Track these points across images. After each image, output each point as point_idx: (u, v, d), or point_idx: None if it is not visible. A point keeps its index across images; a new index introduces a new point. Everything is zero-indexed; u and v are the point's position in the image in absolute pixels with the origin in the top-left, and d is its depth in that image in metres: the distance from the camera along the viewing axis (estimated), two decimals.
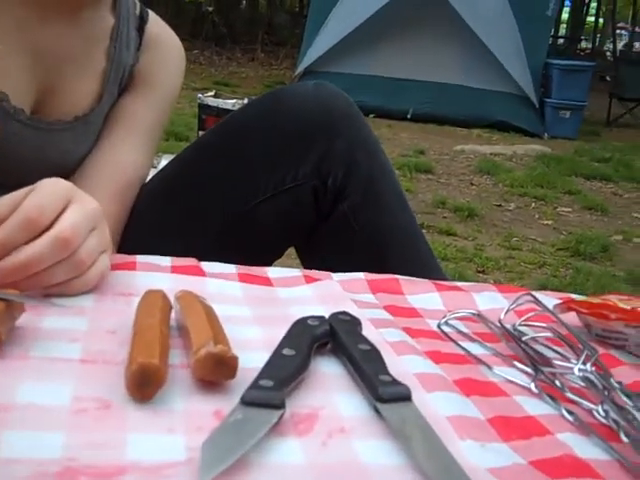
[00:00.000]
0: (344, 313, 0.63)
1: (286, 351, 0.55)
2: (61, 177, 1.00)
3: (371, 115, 7.40)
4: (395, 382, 0.52)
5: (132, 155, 1.04)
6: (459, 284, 0.85)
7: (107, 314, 0.63)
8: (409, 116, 7.49)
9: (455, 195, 4.65)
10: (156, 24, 1.11)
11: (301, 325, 0.60)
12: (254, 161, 1.06)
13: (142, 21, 1.09)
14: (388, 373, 0.54)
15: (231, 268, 0.81)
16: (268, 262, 1.12)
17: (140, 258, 0.80)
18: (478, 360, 0.64)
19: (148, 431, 0.47)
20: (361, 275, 0.83)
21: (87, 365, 0.54)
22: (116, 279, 0.72)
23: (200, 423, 0.48)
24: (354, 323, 0.62)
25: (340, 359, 0.59)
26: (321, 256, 1.08)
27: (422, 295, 0.79)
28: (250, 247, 1.05)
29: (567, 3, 18.48)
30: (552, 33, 10.38)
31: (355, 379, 0.55)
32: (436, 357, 0.63)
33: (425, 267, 1.04)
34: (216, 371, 0.52)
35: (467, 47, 7.41)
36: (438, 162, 5.63)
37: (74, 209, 0.67)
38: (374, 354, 0.57)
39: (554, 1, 7.61)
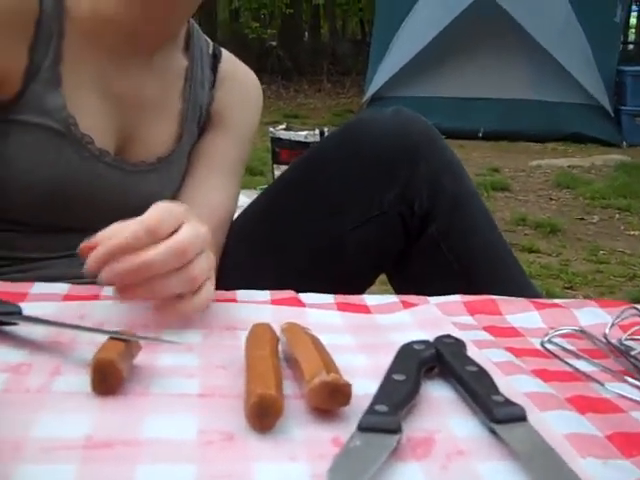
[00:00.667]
0: (448, 336, 0.64)
1: (396, 376, 0.56)
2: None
3: (442, 136, 7.38)
4: (508, 402, 0.53)
5: (219, 194, 1.07)
6: (557, 301, 0.84)
7: (216, 349, 0.65)
8: (480, 135, 7.43)
9: (535, 211, 4.58)
10: (230, 62, 1.13)
11: (408, 350, 0.61)
12: (338, 193, 1.07)
13: (215, 59, 1.12)
14: (500, 393, 0.54)
15: (329, 298, 0.82)
16: (360, 290, 1.13)
17: (240, 293, 0.82)
18: (588, 377, 0.63)
19: (272, 460, 0.48)
20: (457, 297, 0.83)
21: (206, 399, 0.56)
22: (220, 313, 0.74)
23: (321, 450, 0.49)
24: (459, 345, 0.63)
25: (449, 382, 0.59)
26: (413, 280, 1.09)
27: (521, 314, 0.79)
28: (341, 277, 1.06)
29: (634, 8, 18.11)
30: (621, 39, 10.17)
31: (467, 401, 0.56)
32: (544, 375, 0.63)
33: (518, 285, 1.03)
34: (331, 399, 0.53)
35: (534, 60, 7.33)
36: (514, 179, 5.57)
37: (189, 227, 0.70)
38: (483, 375, 0.57)
39: (621, 7, 7.47)
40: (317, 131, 4.57)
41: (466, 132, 7.41)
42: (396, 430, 0.49)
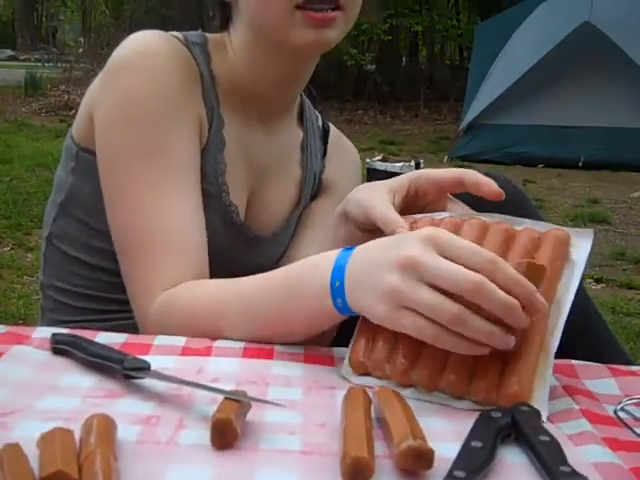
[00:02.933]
0: (525, 404, 0.70)
1: (474, 443, 0.62)
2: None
3: (540, 165, 7.30)
4: (575, 473, 0.58)
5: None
6: (635, 368, 0.89)
7: (316, 408, 0.74)
8: (580, 164, 7.32)
9: (635, 245, 4.51)
10: (337, 136, 1.24)
11: (485, 418, 0.67)
12: None
13: (325, 132, 1.22)
14: (568, 464, 0.60)
15: None
16: None
17: (337, 352, 0.90)
18: None
19: None
20: None
21: (307, 456, 0.64)
22: (319, 373, 0.83)
23: None
24: (534, 414, 0.69)
25: (523, 448, 0.66)
26: None
27: (598, 380, 0.84)
28: None
29: None
30: None
31: (538, 469, 0.62)
32: (613, 445, 0.68)
33: (601, 346, 1.07)
34: (416, 462, 0.60)
35: (637, 87, 7.19)
36: (614, 211, 5.47)
37: None
38: (554, 445, 0.63)
39: None
40: (413, 162, 4.65)
41: (565, 161, 7.32)
42: None
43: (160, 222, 0.97)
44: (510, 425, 0.67)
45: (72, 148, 1.11)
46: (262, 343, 0.89)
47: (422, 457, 0.60)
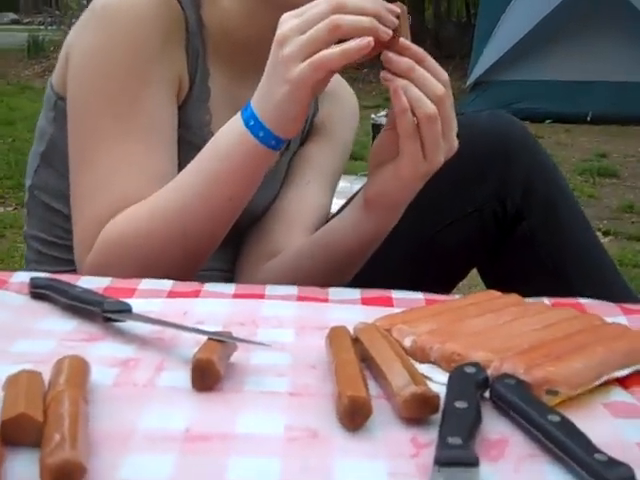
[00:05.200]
0: (508, 376, 0.60)
1: (458, 404, 0.55)
2: (250, 221, 1.09)
3: (547, 121, 7.21)
4: (614, 462, 0.49)
5: (317, 198, 1.12)
6: None
7: (307, 349, 0.69)
8: (589, 119, 7.22)
9: None
10: (334, 77, 1.18)
11: (461, 374, 0.60)
12: (433, 190, 1.10)
13: None
14: (601, 450, 0.50)
15: (418, 295, 0.85)
16: (453, 285, 1.16)
17: (331, 291, 0.86)
18: None
19: (352, 457, 0.52)
20: (545, 300, 0.84)
21: (295, 397, 0.60)
22: (312, 313, 0.78)
23: (399, 450, 0.53)
24: (524, 388, 0.59)
25: (502, 412, 0.58)
26: (504, 276, 1.10)
27: (609, 319, 0.79)
28: (434, 273, 1.09)
29: None
30: None
31: (557, 457, 0.52)
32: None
33: (611, 287, 1.03)
34: (420, 409, 0.56)
35: None
36: (623, 165, 5.40)
37: None
38: (570, 426, 0.53)
39: None
40: None
41: (574, 116, 7.22)
42: (475, 463, 0.49)
43: (108, 176, 0.94)
44: (487, 381, 0.60)
45: (51, 97, 1.06)
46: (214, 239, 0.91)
47: (426, 403, 0.56)
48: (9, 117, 6.51)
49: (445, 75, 0.81)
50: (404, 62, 0.79)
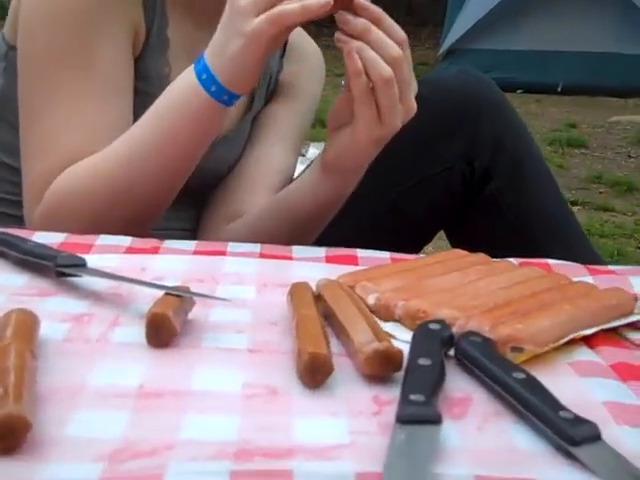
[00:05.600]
0: (473, 333, 0.59)
1: (422, 361, 0.54)
2: (214, 181, 1.06)
3: (519, 91, 7.20)
4: (579, 419, 0.48)
5: (282, 159, 1.09)
6: (614, 268, 0.83)
7: (268, 306, 0.67)
8: (559, 89, 7.23)
9: (612, 169, 4.45)
10: (298, 33, 1.14)
11: (425, 331, 0.59)
12: (401, 149, 1.08)
13: None
14: (566, 408, 0.49)
15: (384, 254, 0.83)
16: (419, 247, 1.14)
17: (295, 249, 0.83)
18: None
19: (313, 415, 0.50)
20: (513, 260, 0.83)
21: (254, 354, 0.58)
22: (274, 270, 0.76)
23: (360, 407, 0.51)
24: (488, 345, 0.57)
25: (465, 369, 0.57)
26: (471, 238, 1.09)
27: (575, 279, 0.78)
28: (400, 235, 1.07)
29: None
30: None
31: (520, 414, 0.51)
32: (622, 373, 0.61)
33: (575, 248, 1.02)
34: (383, 366, 0.54)
35: (617, 12, 7.07)
36: (592, 135, 5.41)
37: None
38: (534, 383, 0.52)
39: None
40: None
41: (544, 86, 7.21)
42: (437, 421, 0.48)
43: (60, 130, 0.90)
44: (450, 339, 0.58)
45: (2, 47, 1.02)
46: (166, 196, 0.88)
47: (390, 360, 0.54)
48: None
49: (403, 35, 0.78)
50: (360, 23, 0.75)
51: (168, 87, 0.85)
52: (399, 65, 0.76)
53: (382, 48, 0.75)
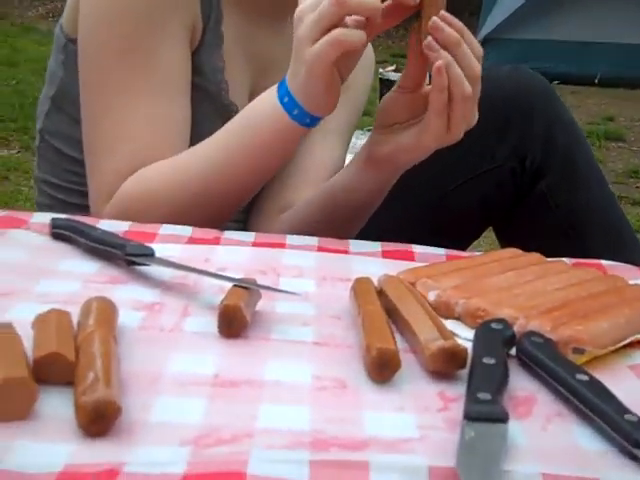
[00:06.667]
0: (536, 334, 0.60)
1: (486, 360, 0.55)
2: None
3: (555, 82, 7.12)
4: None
5: (333, 152, 1.11)
6: None
7: (330, 299, 0.69)
8: (596, 81, 7.14)
9: None
10: None
11: (487, 329, 0.60)
12: (452, 147, 1.09)
13: None
14: (631, 411, 0.50)
15: (440, 251, 0.85)
16: (467, 243, 1.15)
17: (352, 243, 0.85)
18: None
19: (381, 409, 0.52)
20: (565, 260, 0.84)
21: (321, 347, 0.60)
22: (333, 263, 0.78)
23: (427, 403, 0.53)
24: (551, 346, 0.59)
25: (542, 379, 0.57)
26: (520, 236, 1.10)
27: (630, 281, 0.79)
28: (450, 230, 1.09)
29: None
30: None
31: (585, 416, 0.52)
32: None
33: (627, 248, 1.03)
34: (448, 363, 0.56)
35: None
36: (630, 129, 5.36)
37: None
38: (599, 386, 0.53)
39: None
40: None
41: (581, 78, 7.13)
42: (504, 419, 0.49)
43: (127, 128, 0.92)
44: (514, 337, 0.60)
45: (61, 38, 1.04)
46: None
47: (455, 357, 0.56)
48: (13, 59, 6.39)
49: (481, 51, 0.80)
50: (454, 35, 0.76)
51: (247, 107, 0.88)
52: (477, 83, 0.78)
53: (468, 66, 0.77)
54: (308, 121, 0.83)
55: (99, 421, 0.46)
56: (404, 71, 0.86)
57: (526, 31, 7.59)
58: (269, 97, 0.84)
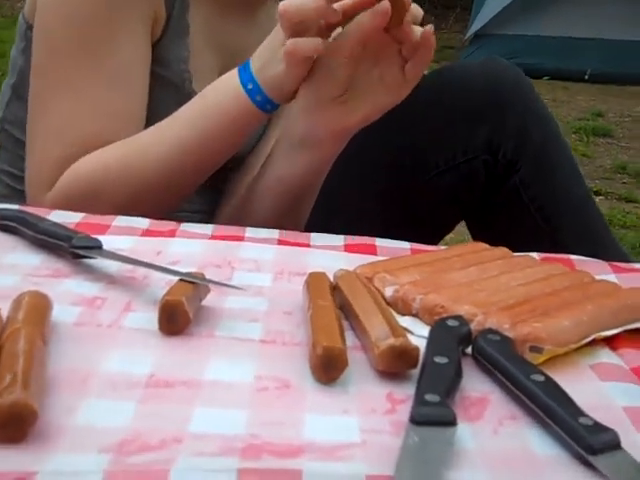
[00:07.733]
0: (492, 331, 0.57)
1: (438, 359, 0.52)
2: (234, 163, 1.05)
3: (545, 77, 7.12)
4: (599, 427, 0.46)
5: None
6: (638, 265, 0.81)
7: (284, 294, 0.66)
8: (587, 77, 7.13)
9: (637, 159, 4.39)
10: None
11: (442, 327, 0.57)
12: (423, 138, 1.06)
13: None
14: (585, 414, 0.47)
15: (405, 245, 0.82)
16: (439, 237, 1.12)
17: (314, 237, 0.82)
18: None
19: (324, 412, 0.49)
20: (534, 255, 0.81)
21: (267, 345, 0.57)
22: (292, 257, 0.75)
23: (373, 405, 0.50)
24: (507, 344, 0.56)
25: (484, 368, 0.55)
26: (492, 230, 1.07)
27: (598, 277, 0.76)
28: (421, 223, 1.06)
29: None
30: None
31: (538, 418, 0.49)
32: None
33: (599, 243, 1.01)
34: (398, 362, 0.53)
35: None
36: (618, 125, 5.34)
37: None
38: (554, 387, 0.50)
39: None
40: None
41: (571, 73, 7.12)
42: (452, 423, 0.46)
43: (74, 116, 0.89)
44: (470, 335, 0.57)
45: (22, 26, 1.00)
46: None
47: (406, 356, 0.53)
48: (0, 50, 6.37)
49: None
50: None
51: (206, 89, 0.87)
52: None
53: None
54: (269, 107, 0.83)
55: (14, 425, 0.42)
56: None
57: (516, 27, 7.57)
58: (230, 81, 0.83)
